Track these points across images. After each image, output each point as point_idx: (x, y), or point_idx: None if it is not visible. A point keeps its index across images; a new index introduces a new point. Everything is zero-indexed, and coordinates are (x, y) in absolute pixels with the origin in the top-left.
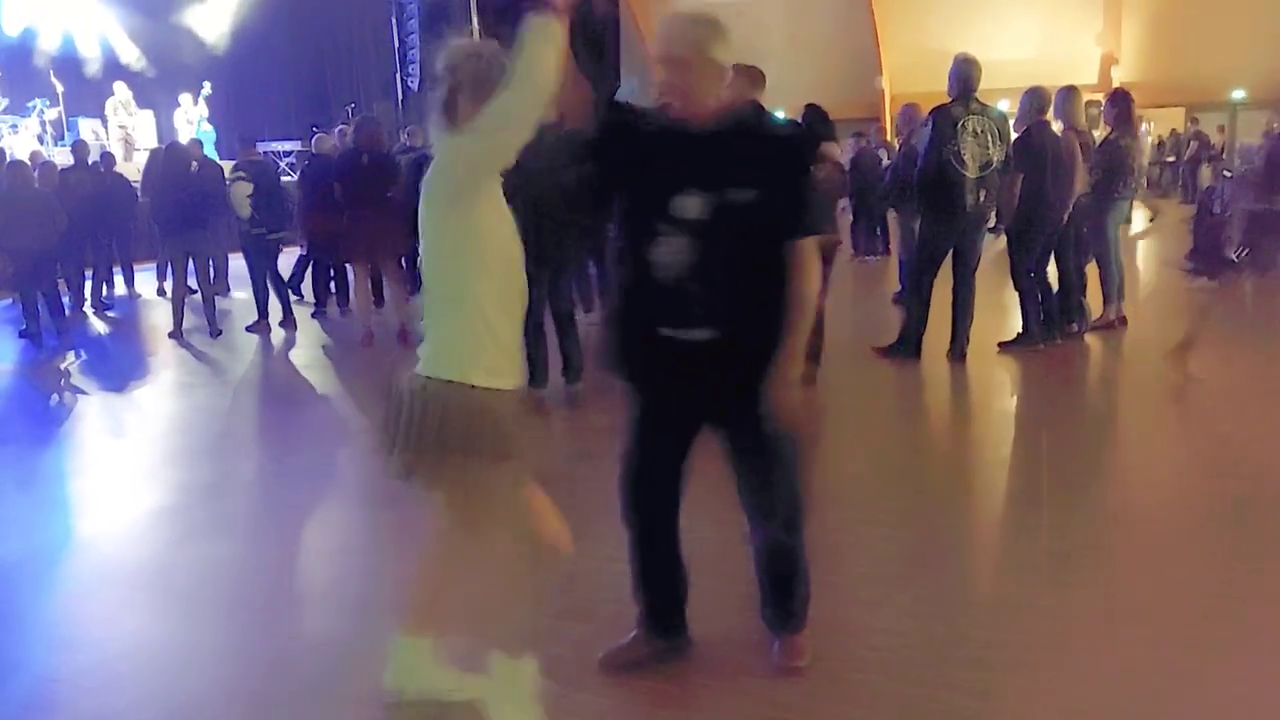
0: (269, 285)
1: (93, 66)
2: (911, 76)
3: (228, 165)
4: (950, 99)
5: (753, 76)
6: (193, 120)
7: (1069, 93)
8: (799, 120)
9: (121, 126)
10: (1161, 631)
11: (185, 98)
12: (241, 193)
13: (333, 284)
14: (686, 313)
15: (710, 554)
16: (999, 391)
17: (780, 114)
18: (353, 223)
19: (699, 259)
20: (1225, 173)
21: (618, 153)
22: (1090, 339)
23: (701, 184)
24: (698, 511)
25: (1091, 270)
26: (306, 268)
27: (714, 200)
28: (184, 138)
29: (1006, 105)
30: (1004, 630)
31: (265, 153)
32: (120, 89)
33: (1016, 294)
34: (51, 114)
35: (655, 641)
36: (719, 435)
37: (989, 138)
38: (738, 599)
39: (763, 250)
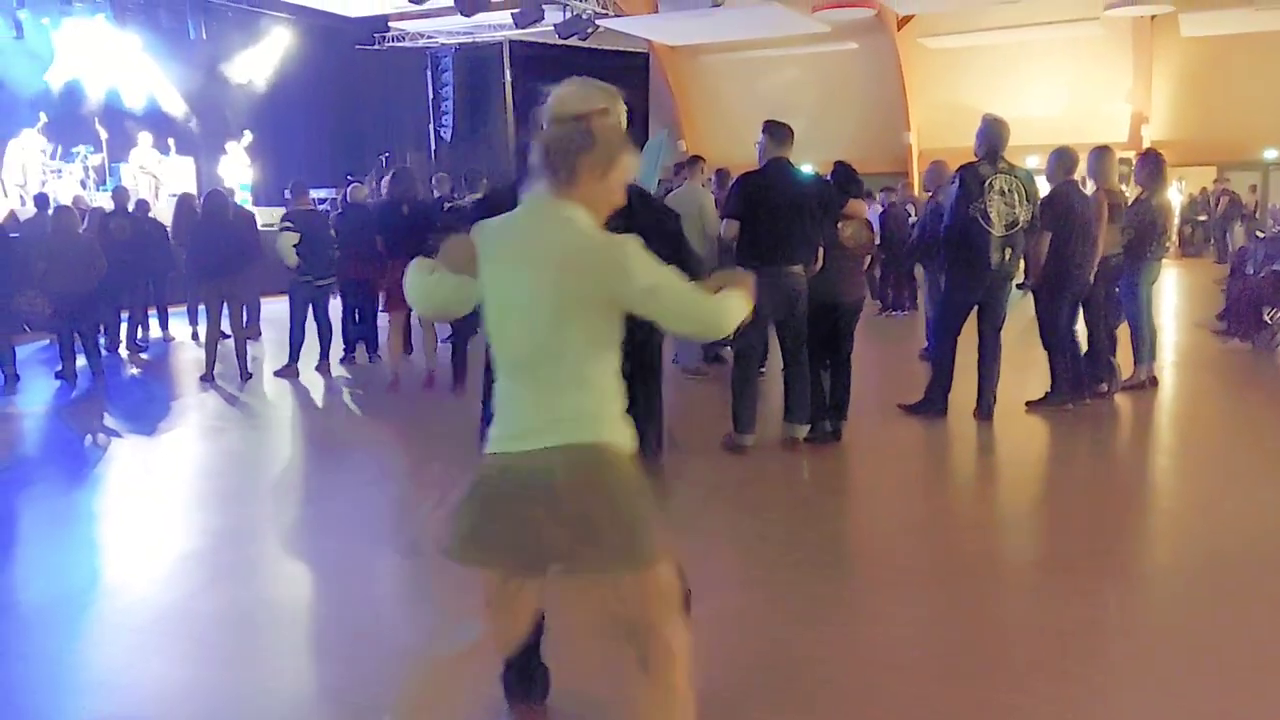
0: (316, 330)
1: (136, 114)
2: (939, 132)
3: (260, 212)
4: (977, 158)
5: (781, 134)
6: (240, 168)
7: (1101, 153)
8: (828, 177)
9: (143, 168)
10: (1195, 702)
11: (233, 146)
12: (287, 243)
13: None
14: None
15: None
16: (1026, 451)
17: (808, 168)
18: (394, 273)
19: None
20: (1258, 233)
21: None
22: (1120, 399)
23: None
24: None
25: (1122, 330)
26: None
27: None
28: (233, 184)
29: (1035, 162)
30: (1031, 697)
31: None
32: (144, 138)
33: (1046, 352)
34: (95, 160)
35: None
36: None
37: (1016, 197)
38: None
39: None
